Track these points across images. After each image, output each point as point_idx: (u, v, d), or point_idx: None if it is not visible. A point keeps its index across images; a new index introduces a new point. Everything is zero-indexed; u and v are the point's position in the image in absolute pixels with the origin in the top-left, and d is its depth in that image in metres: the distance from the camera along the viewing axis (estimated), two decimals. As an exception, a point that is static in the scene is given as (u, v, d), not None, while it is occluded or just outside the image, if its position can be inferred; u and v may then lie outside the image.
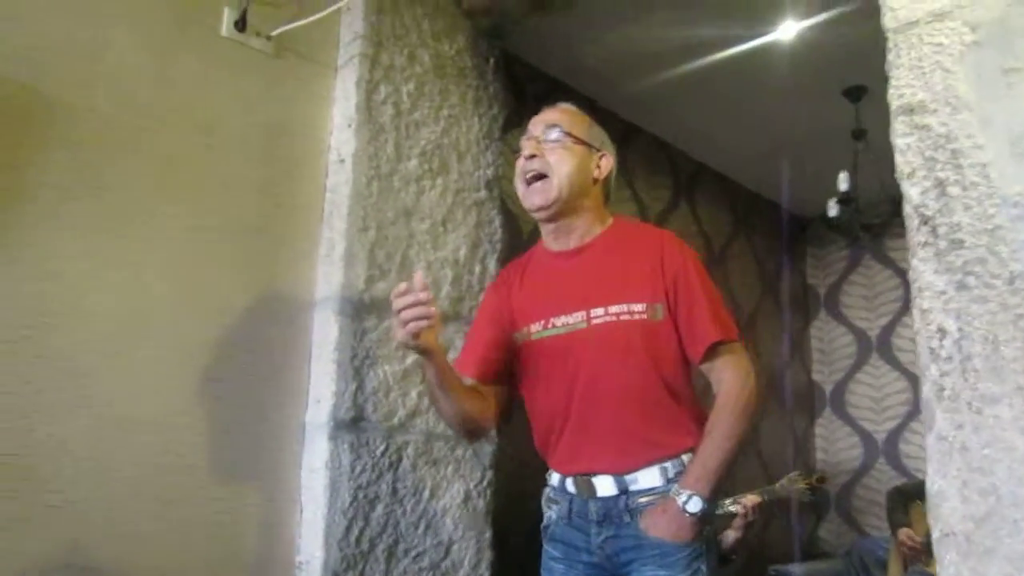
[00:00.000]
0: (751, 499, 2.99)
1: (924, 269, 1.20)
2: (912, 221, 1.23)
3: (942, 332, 1.17)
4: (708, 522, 1.78)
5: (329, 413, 2.16)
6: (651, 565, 1.75)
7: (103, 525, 1.86)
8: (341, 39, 2.45)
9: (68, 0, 1.95)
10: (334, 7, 2.26)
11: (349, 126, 2.34)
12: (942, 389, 1.15)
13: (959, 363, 1.14)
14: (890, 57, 1.31)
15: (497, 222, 2.70)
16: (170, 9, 2.12)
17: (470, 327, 2.01)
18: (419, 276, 1.62)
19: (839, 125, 3.60)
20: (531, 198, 1.87)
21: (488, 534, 2.45)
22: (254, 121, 2.25)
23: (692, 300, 1.81)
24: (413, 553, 2.25)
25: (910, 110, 1.26)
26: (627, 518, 1.78)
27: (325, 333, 2.23)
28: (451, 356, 2.37)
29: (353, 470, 2.16)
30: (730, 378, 1.81)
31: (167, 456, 1.98)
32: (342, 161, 2.33)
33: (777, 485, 3.08)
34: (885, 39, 1.32)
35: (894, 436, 4.87)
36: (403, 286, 1.65)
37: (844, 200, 3.42)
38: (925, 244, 1.20)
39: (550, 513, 1.92)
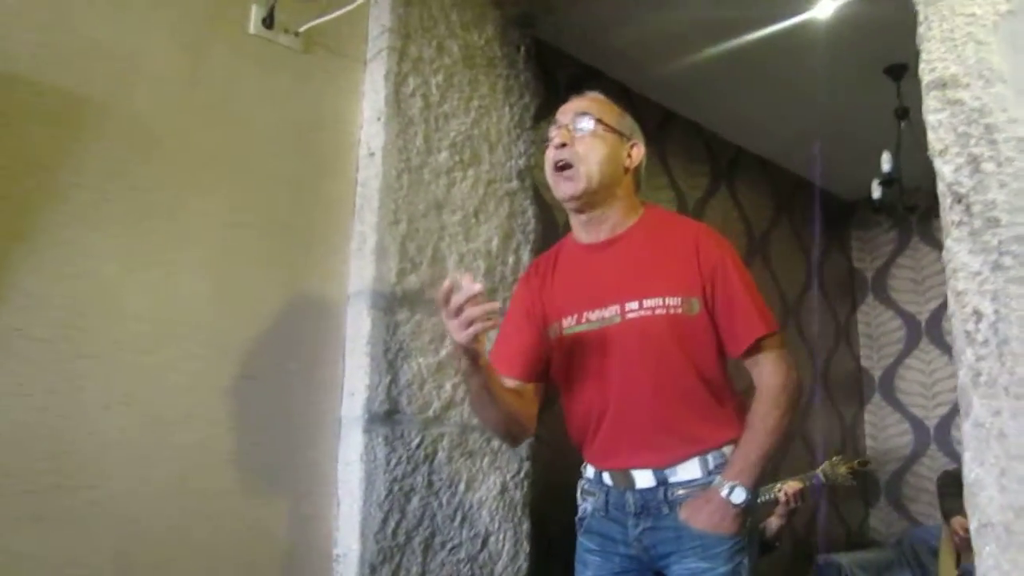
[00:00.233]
0: (792, 485, 2.94)
1: (958, 249, 1.15)
2: (945, 200, 1.18)
3: (978, 315, 1.12)
4: (750, 514, 1.76)
5: (363, 406, 2.17)
6: (692, 557, 1.73)
7: (142, 520, 1.88)
8: (369, 33, 2.45)
9: (97, 3, 1.96)
10: (360, 0, 2.25)
11: (378, 119, 2.34)
12: (978, 374, 1.11)
13: (996, 347, 1.10)
14: (920, 30, 1.26)
15: (530, 212, 2.68)
16: (198, 8, 2.13)
17: (503, 323, 1.97)
18: (469, 277, 1.58)
19: (882, 104, 3.51)
20: (561, 188, 1.84)
21: (526, 525, 2.44)
22: (284, 117, 2.26)
23: (731, 294, 1.79)
24: (450, 545, 2.25)
25: (942, 84, 1.21)
26: (666, 510, 1.76)
27: (358, 327, 2.24)
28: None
29: (388, 463, 2.17)
30: (771, 371, 1.79)
31: (204, 452, 2.00)
32: (372, 155, 2.33)
33: (819, 471, 3.03)
34: (915, 12, 1.28)
35: (946, 422, 4.75)
36: (449, 283, 1.60)
37: (887, 181, 3.33)
38: (959, 223, 1.16)
39: (585, 505, 1.90)
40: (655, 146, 3.78)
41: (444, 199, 2.42)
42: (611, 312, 1.80)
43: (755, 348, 1.78)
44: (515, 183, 2.63)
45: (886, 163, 3.28)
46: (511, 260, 2.57)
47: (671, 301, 1.77)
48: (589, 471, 1.90)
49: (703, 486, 1.75)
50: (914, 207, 3.57)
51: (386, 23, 2.39)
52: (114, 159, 1.94)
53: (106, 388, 1.86)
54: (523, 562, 2.41)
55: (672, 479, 1.77)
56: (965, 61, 1.19)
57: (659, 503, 1.77)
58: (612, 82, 3.49)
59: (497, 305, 1.60)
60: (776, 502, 2.95)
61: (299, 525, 2.13)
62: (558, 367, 1.89)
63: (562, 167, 1.83)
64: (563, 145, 1.83)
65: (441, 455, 2.28)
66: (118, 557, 1.84)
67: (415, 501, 2.20)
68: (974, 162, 1.15)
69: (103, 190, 1.91)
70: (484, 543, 2.33)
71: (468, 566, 2.28)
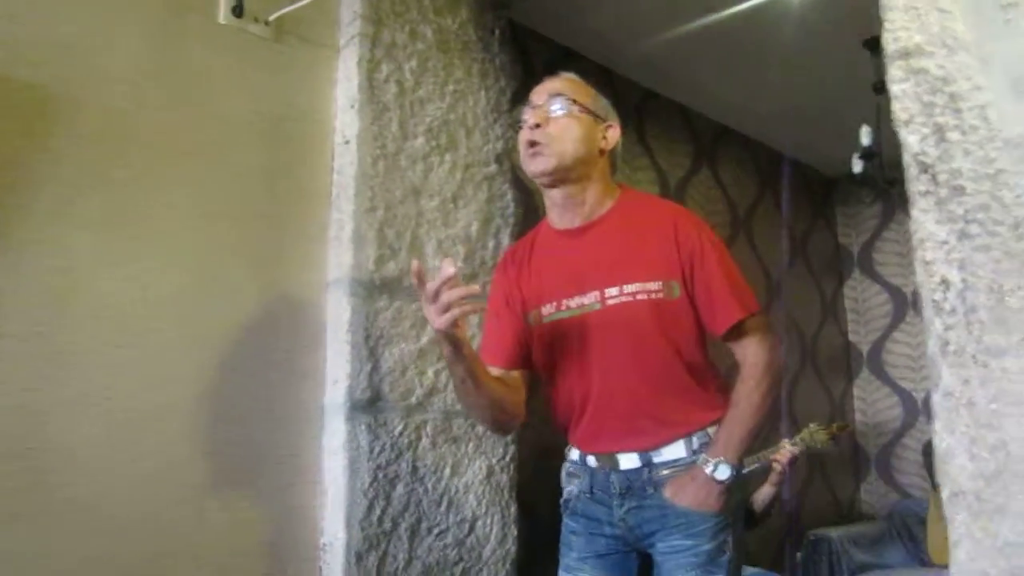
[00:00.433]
0: (785, 452, 2.94)
1: (925, 219, 1.15)
2: (911, 170, 1.17)
3: (945, 284, 1.12)
4: (735, 492, 1.77)
5: (345, 394, 2.16)
6: (676, 535, 1.75)
7: (124, 516, 1.87)
8: (341, 20, 2.43)
9: (67, -2, 1.94)
10: (330, -14, 2.24)
11: (352, 107, 2.33)
12: (947, 343, 1.11)
13: (963, 315, 1.09)
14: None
15: (509, 196, 2.67)
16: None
17: (485, 313, 1.97)
18: (448, 261, 1.56)
19: (862, 78, 3.50)
20: (531, 164, 1.83)
21: (513, 509, 2.45)
22: (257, 107, 2.24)
23: (710, 277, 1.79)
24: (436, 531, 2.25)
25: (906, 54, 1.20)
26: (650, 489, 1.78)
27: (338, 315, 2.23)
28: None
29: (372, 450, 2.17)
30: (754, 351, 1.80)
31: (185, 445, 1.99)
32: (347, 142, 2.32)
33: (797, 438, 3.02)
34: (877, -20, 1.27)
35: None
36: (416, 264, 1.58)
37: (867, 155, 3.33)
38: (925, 193, 1.15)
39: (570, 487, 1.92)
40: (636, 126, 3.77)
41: (421, 185, 2.41)
42: (591, 299, 1.80)
43: (737, 329, 1.79)
44: (493, 167, 2.62)
45: (865, 137, 3.27)
46: (491, 244, 2.56)
47: (651, 286, 1.77)
48: (573, 454, 1.91)
49: (687, 465, 1.76)
50: (894, 180, 3.57)
51: (357, 9, 2.37)
52: (86, 154, 1.92)
53: (83, 384, 1.85)
54: (511, 545, 2.41)
55: (656, 459, 1.78)
56: (928, 30, 1.18)
57: (643, 483, 1.78)
58: (590, 63, 3.47)
59: (476, 289, 1.59)
60: (767, 470, 2.95)
61: (284, 515, 2.13)
62: (539, 354, 1.89)
63: (534, 146, 1.82)
64: (537, 126, 1.82)
65: (425, 441, 2.28)
66: (99, 554, 1.83)
67: (400, 488, 2.20)
68: (939, 131, 1.15)
69: (76, 185, 1.89)
70: (471, 527, 2.33)
71: (456, 550, 2.29)
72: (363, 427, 2.16)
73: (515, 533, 2.43)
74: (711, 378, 1.86)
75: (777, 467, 2.94)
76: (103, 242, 1.93)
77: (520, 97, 2.97)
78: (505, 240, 2.57)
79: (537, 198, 3.15)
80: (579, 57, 3.41)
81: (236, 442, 2.07)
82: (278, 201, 2.24)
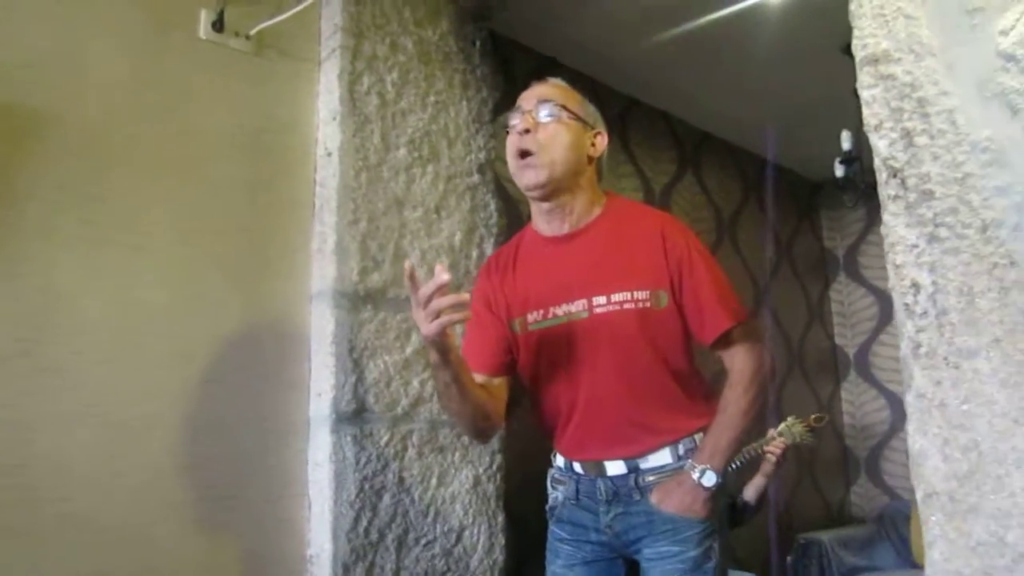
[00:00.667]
0: (778, 444, 2.93)
1: (895, 223, 1.16)
2: (881, 174, 1.19)
3: (916, 287, 1.13)
4: (719, 498, 1.78)
5: (330, 406, 2.16)
6: (663, 541, 1.75)
7: (112, 531, 1.87)
8: (321, 32, 2.44)
9: (46, 14, 1.94)
10: (308, 1, 2.24)
11: (334, 119, 2.33)
12: (918, 346, 1.12)
13: (935, 318, 1.11)
14: (852, 7, 1.27)
15: (492, 206, 2.67)
16: (147, 15, 2.11)
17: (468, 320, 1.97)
18: (440, 267, 1.53)
19: (844, 82, 3.52)
20: (524, 177, 1.81)
21: (500, 518, 2.45)
22: (239, 120, 2.24)
23: (698, 286, 1.79)
24: (424, 541, 2.25)
25: (874, 60, 1.22)
26: (637, 496, 1.78)
27: (322, 327, 2.23)
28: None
29: (358, 462, 2.17)
30: (742, 359, 1.81)
31: (172, 459, 1.99)
32: (329, 155, 2.32)
33: (775, 432, 3.02)
34: (846, -12, 1.29)
35: (921, 396, 4.79)
36: (410, 265, 1.56)
37: (848, 160, 3.36)
38: (895, 197, 1.17)
39: (556, 494, 1.91)
40: (619, 134, 3.79)
41: (404, 196, 2.42)
42: (578, 307, 1.80)
43: (724, 338, 1.79)
44: (476, 177, 2.62)
45: (846, 141, 3.30)
46: (475, 254, 2.56)
47: (639, 295, 1.77)
48: (559, 460, 1.91)
49: (674, 471, 1.77)
50: (875, 184, 3.59)
51: (338, 22, 2.38)
52: (67, 170, 1.92)
53: (68, 399, 1.85)
54: (499, 554, 2.41)
55: (643, 466, 1.78)
56: (896, 36, 1.20)
57: (630, 489, 1.78)
58: (572, 72, 3.48)
59: (466, 297, 1.58)
60: (755, 460, 2.94)
61: (271, 527, 2.13)
62: (525, 362, 1.88)
63: (525, 155, 1.80)
64: (526, 132, 1.80)
65: (411, 452, 2.28)
66: (89, 568, 1.83)
67: (386, 499, 2.20)
68: (908, 136, 1.16)
69: (56, 201, 1.90)
70: (459, 537, 2.33)
71: (443, 560, 2.28)
72: (349, 438, 2.16)
73: (502, 542, 2.43)
74: (697, 385, 1.86)
75: (771, 458, 2.94)
76: (86, 258, 1.93)
77: (502, 107, 2.98)
78: (488, 250, 2.58)
79: (522, 207, 3.17)
80: (561, 66, 3.43)
81: (222, 455, 2.07)
82: (261, 214, 2.25)
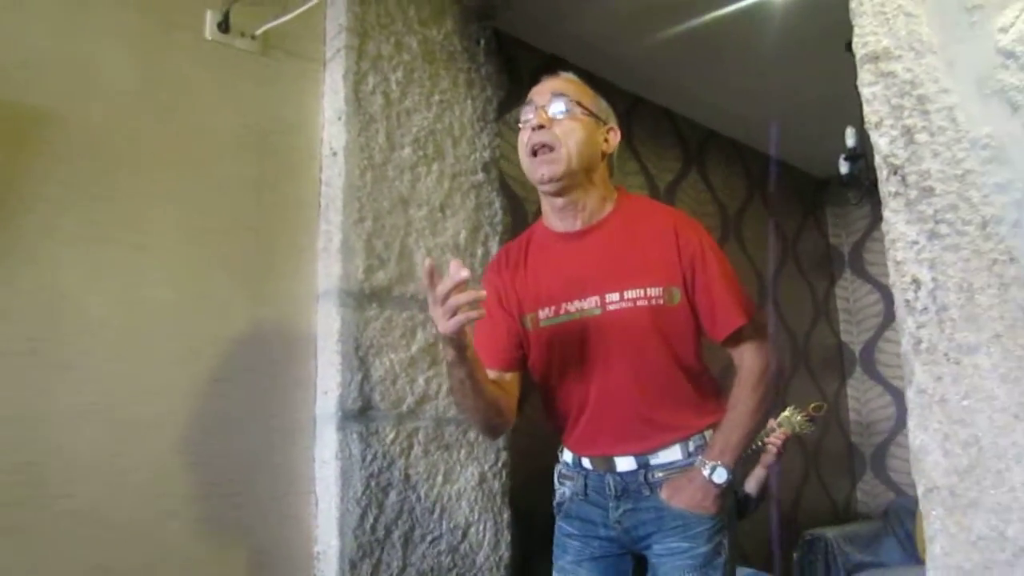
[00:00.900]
0: (779, 435, 2.93)
1: (896, 220, 1.17)
2: (882, 172, 1.20)
3: (916, 283, 1.14)
4: (729, 494, 1.79)
5: (336, 404, 2.18)
6: (673, 537, 1.76)
7: (120, 528, 1.89)
8: (326, 33, 2.45)
9: (52, 15, 1.96)
10: (313, 0, 2.25)
11: (339, 119, 2.34)
12: (919, 341, 1.13)
13: (935, 314, 1.12)
14: (852, 4, 1.28)
15: (497, 204, 2.68)
16: (153, 16, 2.12)
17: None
18: (456, 264, 1.52)
19: (847, 80, 3.52)
20: (538, 170, 1.79)
21: (506, 514, 2.46)
22: (245, 120, 2.26)
23: (710, 282, 1.79)
24: (430, 538, 2.27)
25: (875, 58, 1.23)
26: (646, 491, 1.78)
27: (328, 326, 2.25)
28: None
29: (364, 459, 2.18)
30: (752, 356, 1.81)
31: (179, 456, 2.01)
32: (334, 154, 2.34)
33: (775, 423, 3.01)
34: (847, -14, 1.30)
35: (927, 392, 4.79)
36: (430, 263, 1.55)
37: (853, 156, 3.35)
38: (896, 194, 1.17)
39: (563, 489, 1.91)
40: (623, 132, 3.78)
41: (409, 195, 2.43)
42: (591, 303, 1.79)
43: (735, 335, 1.79)
44: (481, 175, 2.63)
45: (850, 138, 3.29)
46: (480, 252, 2.58)
47: (652, 292, 1.76)
48: (567, 455, 1.91)
49: (684, 467, 1.77)
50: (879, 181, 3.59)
51: (343, 22, 2.39)
52: (73, 170, 1.94)
53: (76, 397, 1.87)
54: (504, 551, 2.42)
55: (653, 462, 1.78)
56: (896, 34, 1.20)
57: (639, 485, 1.78)
58: (577, 69, 3.46)
59: (484, 294, 1.56)
60: (756, 452, 2.93)
61: (278, 525, 2.14)
62: (535, 358, 1.88)
63: (539, 150, 1.78)
64: (540, 127, 1.78)
65: (417, 449, 2.29)
66: (96, 565, 1.84)
67: (392, 496, 2.22)
68: (908, 133, 1.17)
69: (63, 201, 1.91)
70: (464, 534, 2.34)
71: (449, 557, 2.30)
72: (355, 436, 2.18)
73: (508, 538, 2.45)
74: (707, 382, 1.86)
75: (772, 448, 2.93)
76: (92, 257, 1.94)
77: (507, 106, 3.00)
78: (493, 248, 2.59)
79: (527, 205, 3.18)
80: (565, 64, 3.41)
81: (229, 453, 2.08)
82: (267, 214, 2.26)
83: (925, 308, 1.13)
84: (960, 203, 1.11)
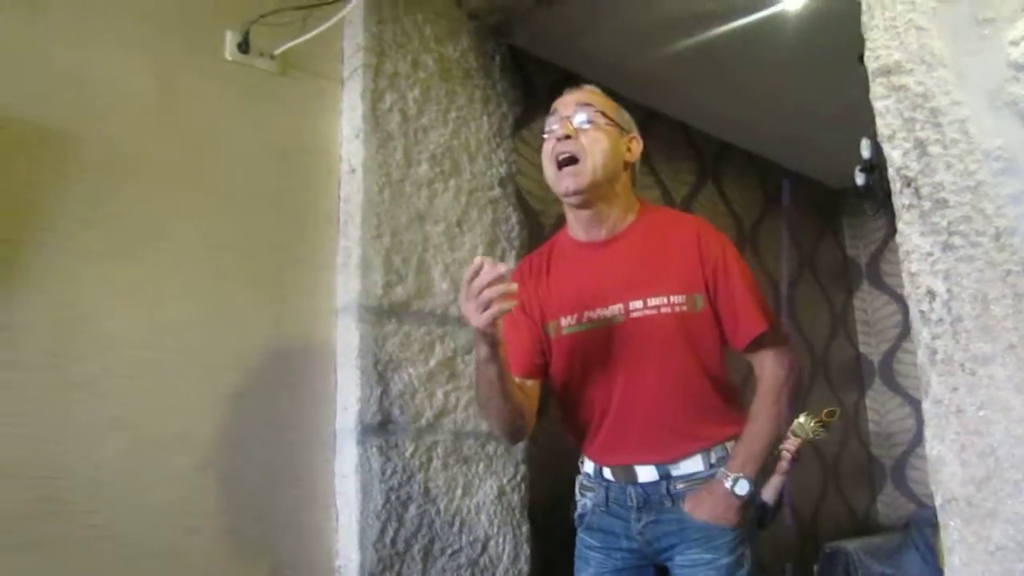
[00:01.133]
0: (793, 442, 2.91)
1: (910, 232, 1.18)
2: (896, 184, 1.21)
3: (931, 294, 1.15)
4: (750, 505, 1.79)
5: (356, 419, 2.19)
6: (696, 548, 1.76)
7: (141, 543, 1.91)
8: (344, 51, 2.48)
9: (73, 35, 1.99)
10: (333, 19, 2.29)
11: (357, 137, 2.37)
12: (935, 352, 1.14)
13: (950, 325, 1.12)
14: (864, 19, 1.30)
15: (514, 219, 2.71)
16: (174, 36, 2.16)
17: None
18: (490, 261, 1.56)
19: (861, 91, 3.52)
20: (563, 182, 1.81)
21: (525, 528, 2.46)
22: (264, 139, 2.29)
23: (733, 290, 1.80)
24: (449, 551, 2.28)
25: (887, 71, 1.24)
26: (668, 503, 1.78)
27: (347, 341, 2.27)
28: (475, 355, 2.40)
29: (384, 473, 2.20)
30: (773, 364, 1.82)
31: (201, 472, 2.02)
32: (353, 171, 2.37)
33: (789, 430, 2.99)
34: (860, 1, 1.31)
35: (947, 403, 4.76)
36: (477, 262, 1.58)
37: (868, 168, 3.36)
38: (910, 207, 1.18)
39: (584, 501, 1.92)
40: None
41: (426, 210, 2.45)
42: (614, 311, 1.81)
43: (757, 342, 1.80)
44: (497, 191, 2.66)
45: (866, 150, 3.29)
46: (497, 267, 2.59)
47: (675, 299, 1.78)
48: (588, 466, 1.91)
49: (705, 479, 1.78)
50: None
51: (360, 41, 2.43)
52: (95, 189, 1.97)
53: (98, 414, 1.89)
54: (524, 564, 2.43)
55: (675, 472, 1.79)
56: (908, 47, 1.22)
57: (661, 496, 1.79)
58: (591, 84, 3.51)
59: (515, 287, 1.59)
60: (772, 461, 2.91)
61: (299, 539, 2.16)
62: (557, 367, 1.90)
63: (567, 161, 1.81)
64: (566, 137, 1.81)
65: (436, 463, 2.31)
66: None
67: (412, 509, 2.23)
68: (921, 146, 1.18)
69: (86, 220, 1.94)
70: (484, 547, 2.35)
71: (469, 571, 2.31)
72: (374, 450, 2.20)
73: (528, 552, 2.45)
74: (730, 391, 1.87)
75: (787, 455, 2.92)
76: (113, 275, 1.97)
77: (523, 122, 3.02)
78: (512, 262, 2.60)
79: (543, 219, 3.20)
80: (580, 79, 3.44)
81: (249, 468, 2.10)
82: (286, 230, 2.29)
83: (940, 319, 1.13)
84: (973, 214, 1.12)
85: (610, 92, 1.98)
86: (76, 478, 1.84)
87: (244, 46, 2.27)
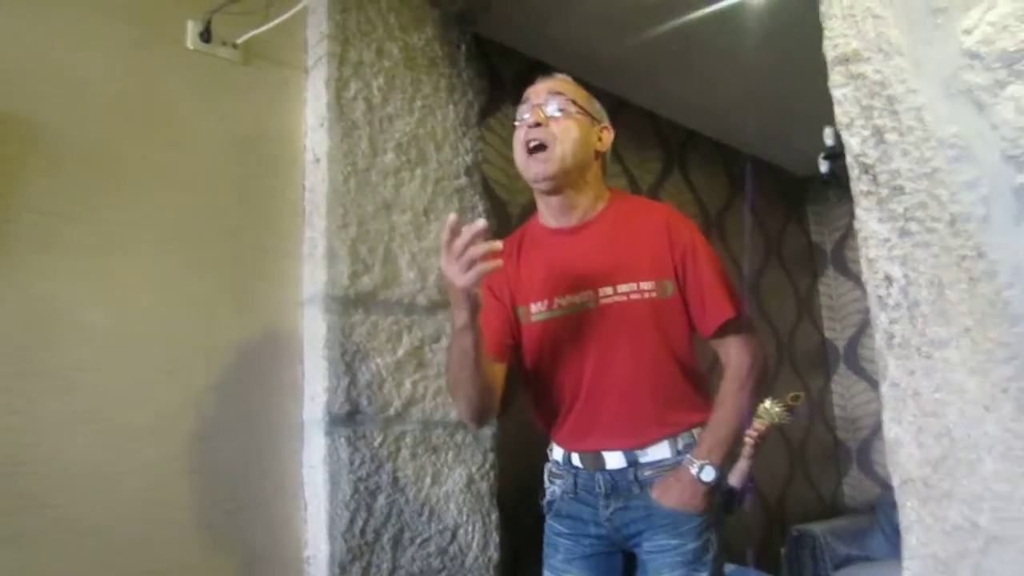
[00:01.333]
0: (757, 426, 2.94)
1: (868, 218, 1.19)
2: (854, 171, 1.22)
3: (888, 280, 1.16)
4: (717, 492, 1.80)
5: (324, 409, 2.19)
6: (663, 534, 1.78)
7: (113, 536, 1.90)
8: (308, 40, 2.46)
9: (33, 26, 1.96)
10: (296, 8, 2.27)
11: (322, 126, 2.36)
12: (892, 336, 1.15)
13: (907, 309, 1.14)
14: (822, 8, 1.31)
15: (481, 208, 2.70)
16: (134, 26, 2.13)
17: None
18: (464, 222, 1.56)
19: (825, 79, 3.55)
20: (533, 168, 1.82)
21: (495, 516, 2.47)
22: (229, 129, 2.27)
23: (701, 276, 1.82)
24: (419, 540, 2.28)
25: (845, 60, 1.26)
26: (636, 490, 1.80)
27: (314, 331, 2.26)
28: (443, 344, 2.41)
29: (352, 463, 2.19)
30: (739, 351, 1.84)
31: (169, 464, 2.01)
32: (317, 161, 2.35)
33: (755, 416, 3.02)
34: (817, -10, 1.32)
35: (910, 387, 4.84)
36: (452, 219, 1.58)
37: (832, 155, 3.39)
38: (867, 193, 1.20)
39: (553, 488, 1.93)
40: (606, 134, 3.81)
41: (393, 200, 2.44)
42: (584, 297, 1.82)
43: (724, 329, 1.82)
44: (463, 180, 2.65)
45: (829, 137, 3.32)
46: (464, 256, 2.58)
47: (645, 286, 1.79)
48: (557, 453, 1.92)
49: (672, 466, 1.79)
50: (858, 179, 3.61)
51: (324, 30, 2.41)
52: (59, 181, 1.94)
53: (66, 407, 1.88)
54: (493, 552, 2.44)
55: (642, 459, 1.80)
56: (865, 36, 1.23)
57: (629, 483, 1.80)
58: (558, 73, 3.50)
59: (499, 244, 1.58)
60: (740, 446, 2.94)
61: (268, 530, 2.15)
62: (526, 351, 1.90)
63: (536, 148, 1.81)
64: (537, 125, 1.82)
65: (405, 452, 2.31)
66: (89, 573, 1.85)
67: (381, 499, 2.23)
68: (878, 133, 1.19)
69: (54, 214, 1.92)
70: (453, 535, 2.36)
71: (439, 559, 2.31)
72: (343, 440, 2.19)
73: (497, 539, 2.46)
74: (698, 377, 1.88)
75: (749, 440, 2.95)
76: (81, 267, 1.95)
77: (490, 110, 3.02)
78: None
79: (510, 208, 3.20)
80: (547, 68, 3.44)
81: (218, 459, 2.09)
82: (252, 221, 2.27)
83: (897, 304, 1.15)
84: (929, 201, 1.13)
85: (577, 81, 2.00)
86: (46, 472, 1.83)
87: (206, 35, 2.24)
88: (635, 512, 1.80)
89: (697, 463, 1.75)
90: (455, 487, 2.39)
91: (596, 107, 1.94)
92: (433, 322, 2.42)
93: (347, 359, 2.24)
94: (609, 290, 1.80)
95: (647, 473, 1.79)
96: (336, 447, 2.18)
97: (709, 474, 1.74)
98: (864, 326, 5.10)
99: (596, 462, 1.83)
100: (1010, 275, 1.03)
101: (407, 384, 2.35)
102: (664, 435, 1.80)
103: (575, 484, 1.86)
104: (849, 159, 1.23)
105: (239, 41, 2.30)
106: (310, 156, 2.38)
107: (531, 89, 1.91)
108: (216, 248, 2.18)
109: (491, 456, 2.50)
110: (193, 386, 2.08)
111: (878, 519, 4.54)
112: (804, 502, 4.73)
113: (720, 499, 1.85)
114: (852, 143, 1.22)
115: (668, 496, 1.76)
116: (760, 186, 4.89)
